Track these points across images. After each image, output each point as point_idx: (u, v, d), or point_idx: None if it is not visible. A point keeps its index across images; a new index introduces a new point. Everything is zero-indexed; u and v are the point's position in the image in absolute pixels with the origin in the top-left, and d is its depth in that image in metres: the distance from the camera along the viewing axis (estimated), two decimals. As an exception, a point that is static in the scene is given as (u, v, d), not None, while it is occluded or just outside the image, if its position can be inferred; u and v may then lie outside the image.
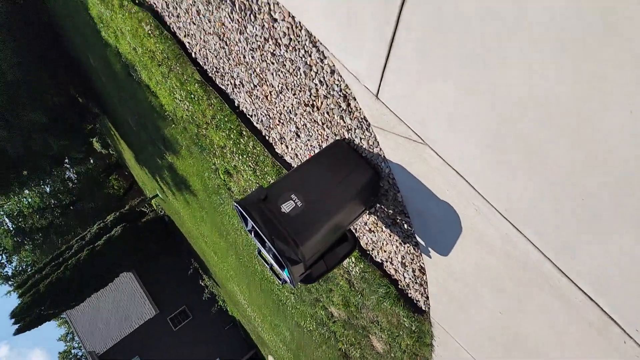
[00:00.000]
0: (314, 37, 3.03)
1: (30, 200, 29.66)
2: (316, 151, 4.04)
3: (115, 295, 23.71)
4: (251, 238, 3.65)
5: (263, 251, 3.61)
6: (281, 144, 4.66)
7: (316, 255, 3.48)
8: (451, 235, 3.08)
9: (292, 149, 4.49)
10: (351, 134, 3.36)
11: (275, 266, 3.49)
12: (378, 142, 3.14)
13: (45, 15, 16.43)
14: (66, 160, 21.37)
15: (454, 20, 1.93)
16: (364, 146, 3.31)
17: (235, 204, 3.36)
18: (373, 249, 4.48)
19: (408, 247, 3.84)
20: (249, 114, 4.94)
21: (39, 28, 16.38)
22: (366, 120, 3.10)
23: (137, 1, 6.14)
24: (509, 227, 2.44)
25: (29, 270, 28.93)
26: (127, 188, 31.64)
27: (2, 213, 27.95)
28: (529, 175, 2.07)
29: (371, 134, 3.15)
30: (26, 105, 15.46)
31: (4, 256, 29.97)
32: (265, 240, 3.18)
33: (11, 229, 28.49)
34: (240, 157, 5.74)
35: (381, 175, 3.39)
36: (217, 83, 5.19)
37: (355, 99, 3.06)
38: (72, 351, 37.91)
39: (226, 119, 5.36)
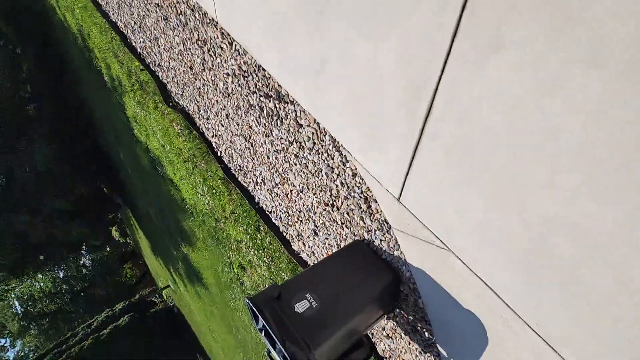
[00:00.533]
0: (338, 142, 3.17)
1: (42, 284, 29.43)
2: (334, 250, 4.00)
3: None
4: (261, 337, 3.48)
5: (273, 352, 3.41)
6: (298, 241, 4.64)
7: (331, 362, 3.27)
8: (477, 348, 2.88)
9: (309, 246, 4.46)
10: (371, 235, 3.34)
11: (285, 368, 3.25)
12: (399, 245, 3.11)
13: (84, 114, 17.79)
14: (83, 247, 21.54)
15: (480, 133, 2.00)
16: (384, 248, 3.27)
17: (247, 301, 3.26)
18: (390, 357, 4.20)
19: (429, 357, 3.58)
20: (268, 211, 5.01)
21: (75, 126, 17.65)
22: (387, 223, 3.09)
23: (170, 104, 6.64)
24: (541, 343, 2.28)
25: (30, 356, 27.78)
26: (140, 277, 31.33)
27: (13, 296, 27.62)
28: (563, 295, 1.98)
29: (392, 237, 3.13)
30: (52, 194, 16.08)
31: (8, 340, 29.00)
32: (276, 341, 3.02)
33: (19, 312, 27.95)
34: (256, 252, 5.71)
35: (402, 279, 3.29)
36: (240, 180, 5.37)
37: (376, 201, 3.10)
38: None
39: (245, 214, 5.43)
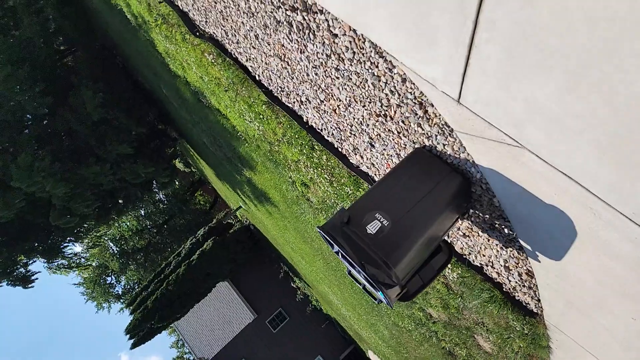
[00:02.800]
0: (380, 48, 2.84)
1: (128, 224, 32.55)
2: (394, 160, 3.84)
3: (215, 304, 25.12)
4: (339, 258, 3.55)
5: (353, 272, 3.49)
6: (355, 154, 4.51)
7: (411, 273, 3.29)
8: (564, 240, 2.73)
9: (367, 158, 4.33)
10: (432, 141, 3.12)
11: (369, 286, 3.34)
12: (465, 148, 2.88)
13: (119, 56, 17.79)
14: (154, 185, 22.99)
15: (548, 13, 1.65)
16: (448, 152, 3.06)
17: (319, 230, 3.27)
18: (470, 254, 4.18)
19: (511, 251, 3.51)
20: (318, 128, 4.85)
21: (113, 69, 17.77)
22: (448, 126, 2.84)
23: (197, 33, 6.32)
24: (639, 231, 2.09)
25: (135, 287, 31.77)
26: (212, 202, 33.42)
27: (106, 240, 30.89)
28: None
29: (455, 140, 2.89)
30: (112, 140, 16.83)
31: (113, 277, 33.18)
32: (354, 264, 3.06)
33: (116, 252, 31.48)
34: (315, 170, 5.69)
35: (472, 181, 3.11)
36: (284, 102, 5.17)
37: (432, 106, 2.82)
38: (185, 356, 40.92)
39: (297, 135, 5.33)
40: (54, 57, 17.23)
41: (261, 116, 5.98)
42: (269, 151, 7.25)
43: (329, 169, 5.28)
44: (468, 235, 3.91)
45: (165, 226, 32.26)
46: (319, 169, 5.56)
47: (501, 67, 2.04)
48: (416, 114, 3.02)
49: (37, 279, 17.84)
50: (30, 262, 18.07)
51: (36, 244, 17.39)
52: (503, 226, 3.28)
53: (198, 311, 24.22)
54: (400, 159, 3.67)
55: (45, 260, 19.08)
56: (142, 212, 32.12)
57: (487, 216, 3.33)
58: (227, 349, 24.32)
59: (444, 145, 3.02)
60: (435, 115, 2.87)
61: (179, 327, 25.65)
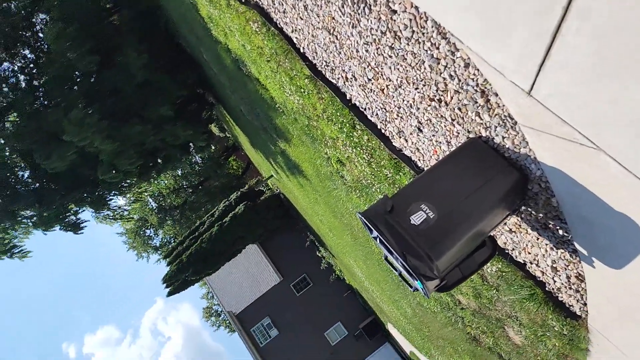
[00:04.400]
0: (443, 29, 2.61)
1: (166, 182, 33.86)
2: (443, 147, 3.63)
3: (245, 264, 26.01)
4: (376, 244, 3.44)
5: (390, 258, 3.38)
6: (399, 137, 4.32)
7: (452, 266, 3.16)
8: (630, 249, 2.52)
9: (412, 143, 4.13)
10: (490, 132, 2.90)
11: (405, 274, 3.22)
12: (527, 142, 2.65)
13: (162, 18, 17.75)
14: (191, 147, 23.38)
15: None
16: (507, 146, 2.84)
17: (360, 216, 3.16)
18: (513, 249, 3.99)
19: (562, 252, 3.30)
20: (362, 108, 4.66)
21: (157, 31, 17.79)
22: (512, 118, 2.62)
23: (243, 0, 6.14)
24: None
25: (172, 242, 33.39)
26: (245, 168, 33.91)
27: (147, 195, 32.22)
28: None
29: (518, 133, 2.67)
30: (154, 102, 17.08)
31: (151, 230, 34.97)
32: (393, 251, 2.95)
33: (154, 207, 32.97)
34: (354, 149, 5.53)
35: (529, 178, 2.89)
36: (327, 77, 4.98)
37: (496, 95, 2.60)
38: (214, 307, 43.03)
39: (338, 113, 5.15)
40: (101, 15, 17.40)
41: (302, 90, 5.82)
42: (306, 125, 7.10)
43: (369, 149, 5.10)
44: (515, 232, 3.71)
45: (200, 187, 33.40)
46: (358, 149, 5.40)
47: (588, 61, 1.81)
48: (476, 102, 2.80)
49: (85, 226, 18.85)
50: (80, 210, 19.04)
51: (85, 195, 18.25)
52: (558, 227, 3.07)
53: (228, 269, 25.13)
54: (451, 148, 3.47)
55: (93, 211, 20.07)
56: (179, 172, 33.26)
57: (541, 215, 3.12)
58: (253, 305, 25.41)
59: (503, 137, 2.80)
60: (498, 106, 2.65)
61: (210, 282, 26.77)
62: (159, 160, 21.05)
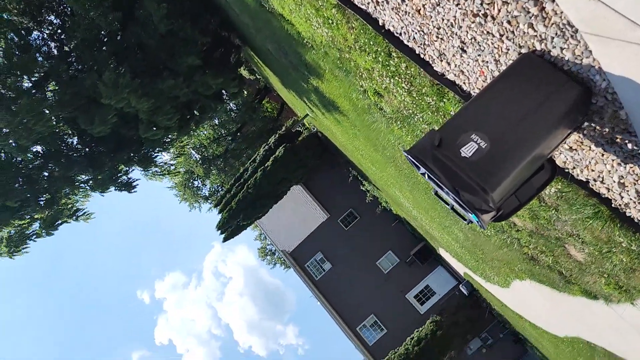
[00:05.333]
0: None
1: (206, 133, 34.53)
2: (490, 67, 3.32)
3: (292, 205, 26.76)
4: (425, 179, 3.31)
5: (441, 192, 3.26)
6: (441, 61, 4.00)
7: (509, 195, 3.00)
8: None
9: (455, 65, 3.82)
10: (546, 45, 2.59)
11: (458, 207, 3.11)
12: (590, 52, 2.35)
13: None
14: (225, 95, 23.33)
15: None
16: (566, 58, 2.53)
17: (406, 154, 3.01)
18: (574, 168, 3.74)
19: (631, 167, 3.04)
20: (397, 33, 4.31)
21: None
22: (572, 26, 2.30)
23: None
24: None
25: (220, 190, 34.65)
26: (279, 109, 33.71)
27: (189, 148, 33.14)
28: None
29: (579, 42, 2.36)
30: (181, 52, 16.88)
31: (199, 181, 36.40)
32: (443, 187, 2.82)
33: (198, 159, 34.00)
34: (391, 79, 5.23)
35: (593, 91, 2.60)
36: (356, 3, 4.61)
37: (553, 1, 2.27)
38: (267, 247, 45.44)
39: (371, 41, 4.82)
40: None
41: (330, 21, 5.46)
42: (338, 59, 6.77)
43: (408, 77, 4.80)
44: (576, 149, 3.44)
45: (238, 133, 33.79)
46: (396, 78, 5.10)
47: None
48: (528, 12, 2.48)
49: (138, 184, 19.91)
50: (130, 170, 20.02)
51: (132, 155, 19.02)
52: (627, 141, 2.80)
53: (277, 211, 25.93)
54: (500, 67, 3.17)
55: (141, 169, 21.00)
56: (217, 121, 33.66)
57: (607, 130, 2.85)
58: (305, 243, 26.50)
59: (561, 49, 2.50)
60: (555, 13, 2.33)
61: (262, 224, 27.95)
62: (196, 112, 21.28)
